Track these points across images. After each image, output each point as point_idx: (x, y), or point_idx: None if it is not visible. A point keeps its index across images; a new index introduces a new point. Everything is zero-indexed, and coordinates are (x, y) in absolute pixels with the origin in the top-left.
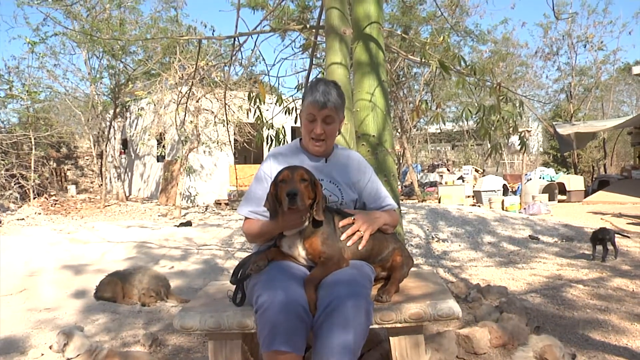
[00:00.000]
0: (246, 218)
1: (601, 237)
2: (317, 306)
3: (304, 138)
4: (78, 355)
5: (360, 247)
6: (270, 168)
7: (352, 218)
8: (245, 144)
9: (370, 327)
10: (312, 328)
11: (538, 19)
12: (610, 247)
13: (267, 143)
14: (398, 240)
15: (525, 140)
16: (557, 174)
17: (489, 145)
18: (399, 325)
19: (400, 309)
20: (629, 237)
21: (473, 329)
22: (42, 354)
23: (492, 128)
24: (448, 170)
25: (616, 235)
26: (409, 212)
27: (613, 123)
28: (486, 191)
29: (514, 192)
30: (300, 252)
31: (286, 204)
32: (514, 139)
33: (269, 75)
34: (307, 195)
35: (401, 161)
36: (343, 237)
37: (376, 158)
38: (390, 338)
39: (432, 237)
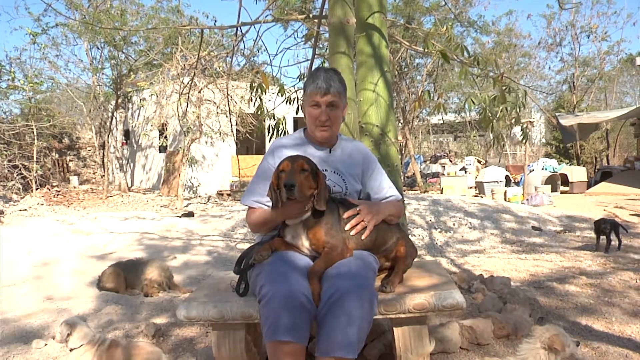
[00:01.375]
0: (250, 208)
1: (603, 227)
2: (320, 297)
3: (309, 126)
4: (81, 345)
5: (363, 237)
6: (274, 158)
7: (357, 209)
8: (247, 135)
9: (374, 317)
10: (315, 318)
11: (542, 9)
12: (613, 238)
13: (268, 133)
14: (402, 230)
15: (527, 131)
16: (559, 165)
17: (491, 136)
18: (402, 315)
19: (404, 300)
20: (626, 231)
21: (476, 319)
22: (46, 344)
23: (495, 119)
24: (450, 161)
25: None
26: (411, 203)
27: (616, 114)
28: (488, 182)
29: (517, 183)
30: (304, 242)
31: (284, 195)
32: (517, 130)
33: (271, 65)
34: (307, 185)
35: (403, 152)
36: (347, 227)
37: (379, 149)
38: (394, 328)
39: (435, 227)
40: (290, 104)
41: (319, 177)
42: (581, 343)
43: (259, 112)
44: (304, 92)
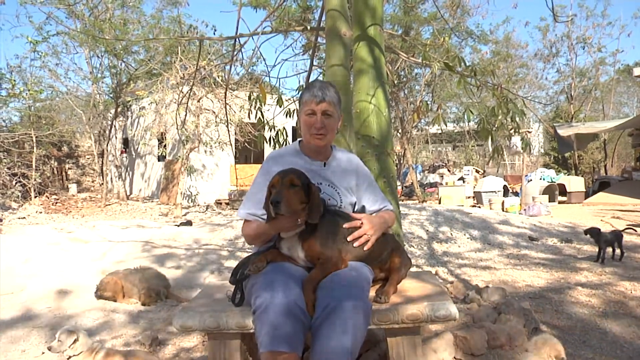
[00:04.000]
0: (245, 220)
1: (595, 237)
2: (315, 307)
3: (304, 135)
4: (79, 353)
5: (365, 249)
6: (269, 171)
7: (360, 222)
8: (246, 144)
9: (368, 327)
10: (310, 329)
11: (539, 18)
12: (608, 249)
13: (269, 144)
14: (396, 242)
15: (528, 140)
16: (557, 175)
17: (490, 147)
18: (396, 326)
19: (398, 310)
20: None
21: (471, 330)
22: (43, 353)
23: (494, 129)
24: (449, 170)
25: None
26: (410, 213)
27: (613, 124)
28: (486, 192)
29: (516, 194)
30: (299, 253)
31: (272, 211)
32: (516, 140)
33: (269, 76)
34: (297, 200)
35: (402, 162)
36: (350, 238)
37: (377, 159)
38: (388, 339)
39: (434, 238)
40: (290, 116)
41: (312, 190)
42: (574, 353)
43: (259, 123)
44: (299, 102)
